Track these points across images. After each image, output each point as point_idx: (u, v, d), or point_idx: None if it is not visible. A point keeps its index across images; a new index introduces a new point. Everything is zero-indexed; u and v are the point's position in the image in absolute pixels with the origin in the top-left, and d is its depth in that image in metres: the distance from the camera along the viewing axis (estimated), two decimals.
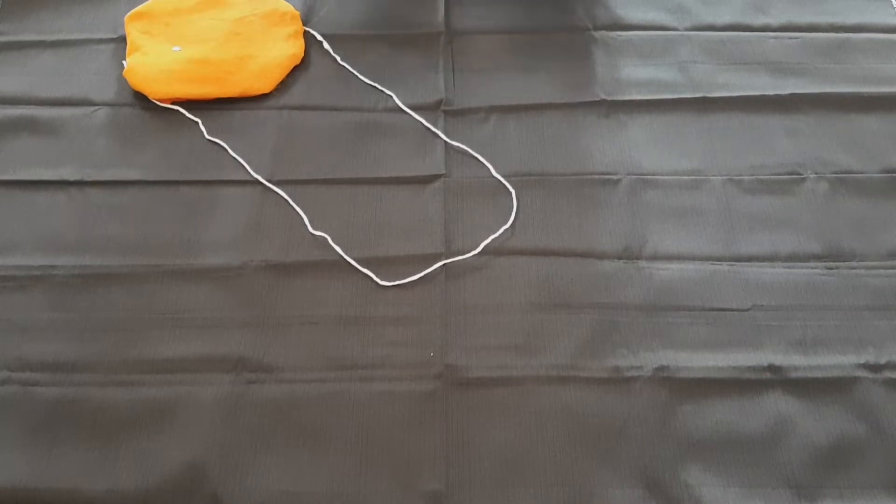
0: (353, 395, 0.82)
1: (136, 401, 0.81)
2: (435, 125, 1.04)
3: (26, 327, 0.86)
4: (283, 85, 1.09)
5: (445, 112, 1.06)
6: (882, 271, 0.91)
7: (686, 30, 1.16)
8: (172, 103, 1.06)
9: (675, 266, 0.91)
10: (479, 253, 0.92)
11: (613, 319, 0.87)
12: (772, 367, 0.83)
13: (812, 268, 0.91)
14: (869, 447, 0.78)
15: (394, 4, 1.19)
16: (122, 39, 1.13)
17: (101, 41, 1.14)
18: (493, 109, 1.06)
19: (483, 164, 1.00)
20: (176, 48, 1.11)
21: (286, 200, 0.96)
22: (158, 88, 1.06)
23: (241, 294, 0.88)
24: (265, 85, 1.07)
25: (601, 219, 0.95)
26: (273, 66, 1.09)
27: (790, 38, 1.14)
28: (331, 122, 1.04)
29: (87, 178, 0.99)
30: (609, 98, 1.07)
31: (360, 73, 1.10)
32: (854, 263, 0.91)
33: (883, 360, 0.84)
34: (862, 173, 0.99)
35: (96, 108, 1.06)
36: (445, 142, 1.02)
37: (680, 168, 1.00)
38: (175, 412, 0.80)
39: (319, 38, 1.14)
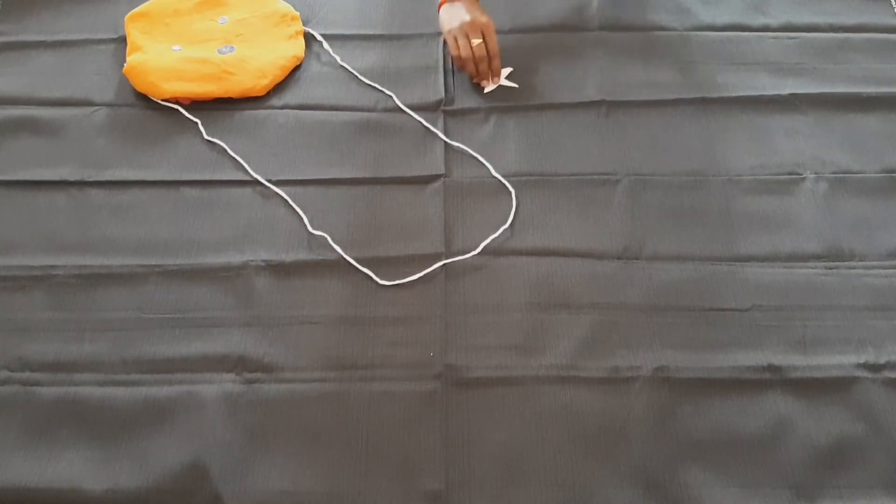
0: (353, 395, 0.82)
1: (136, 401, 0.81)
2: (435, 125, 1.04)
3: (26, 327, 0.86)
4: (283, 85, 1.09)
5: (445, 112, 1.06)
6: (882, 271, 0.91)
7: (686, 30, 1.16)
8: (173, 102, 1.06)
9: (674, 266, 0.91)
10: (478, 253, 0.92)
11: (613, 319, 0.87)
12: (771, 367, 0.83)
13: (812, 268, 0.91)
14: (868, 447, 0.78)
15: (393, 4, 1.19)
16: (122, 39, 1.13)
17: (101, 41, 1.14)
18: (492, 109, 1.06)
19: (483, 164, 1.00)
20: (176, 48, 1.11)
21: (286, 200, 0.96)
22: (159, 86, 1.06)
23: (241, 294, 0.89)
24: (265, 85, 1.07)
25: (601, 219, 0.95)
26: (273, 66, 1.09)
27: (789, 38, 1.14)
28: (331, 122, 1.04)
29: (87, 178, 0.99)
30: (609, 98, 1.07)
31: (360, 73, 1.10)
32: (853, 263, 0.91)
33: (882, 360, 0.84)
34: (861, 173, 0.99)
35: (96, 108, 1.06)
36: (445, 142, 1.02)
37: (680, 168, 1.00)
38: (175, 412, 0.80)
39: (319, 37, 1.14)
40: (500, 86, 1.08)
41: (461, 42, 1.04)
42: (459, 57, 1.05)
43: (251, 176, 0.99)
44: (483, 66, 1.05)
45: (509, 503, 0.75)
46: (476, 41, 1.04)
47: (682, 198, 0.97)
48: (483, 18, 1.05)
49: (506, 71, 1.09)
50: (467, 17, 1.04)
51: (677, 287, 0.89)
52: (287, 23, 1.15)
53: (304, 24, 1.16)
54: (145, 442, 0.78)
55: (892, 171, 1.00)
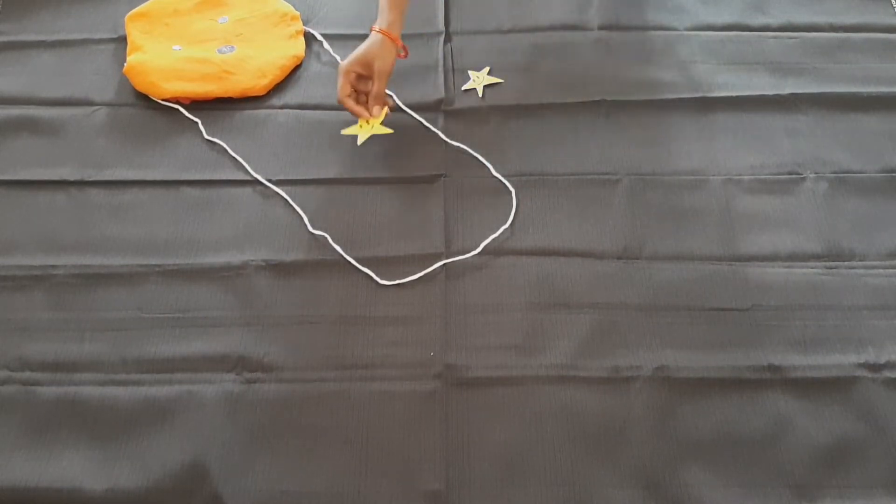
0: (353, 395, 0.82)
1: (136, 401, 0.81)
2: (435, 125, 1.04)
3: (26, 327, 0.86)
4: (284, 85, 1.09)
5: (445, 112, 1.06)
6: (882, 271, 0.91)
7: (686, 30, 1.16)
8: (173, 102, 1.06)
9: (674, 266, 0.91)
10: (479, 253, 0.92)
11: (613, 319, 0.87)
12: (771, 367, 0.83)
13: (812, 267, 0.91)
14: (869, 447, 0.78)
15: None
16: (122, 39, 1.13)
17: (101, 41, 1.14)
18: (492, 109, 1.06)
19: (483, 163, 1.00)
20: (176, 47, 1.11)
21: (286, 200, 0.96)
22: (159, 86, 1.05)
23: (241, 294, 0.88)
24: (265, 85, 1.07)
25: (601, 219, 0.95)
26: (273, 66, 1.09)
27: (789, 37, 1.14)
28: (331, 122, 1.04)
29: (87, 178, 0.99)
30: (609, 98, 1.07)
31: None
32: (854, 263, 0.91)
33: (882, 360, 0.84)
34: (861, 173, 0.99)
35: (96, 108, 1.06)
36: (445, 142, 1.02)
37: (680, 168, 1.00)
38: (175, 412, 0.80)
39: (319, 37, 1.14)
40: (486, 84, 1.08)
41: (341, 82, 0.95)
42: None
43: (251, 176, 0.99)
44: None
45: (509, 503, 0.75)
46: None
47: (682, 198, 0.97)
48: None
49: (485, 70, 1.09)
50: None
51: (677, 287, 0.89)
52: (287, 22, 1.15)
53: (304, 23, 1.16)
54: (145, 442, 0.78)
55: (892, 171, 1.00)
